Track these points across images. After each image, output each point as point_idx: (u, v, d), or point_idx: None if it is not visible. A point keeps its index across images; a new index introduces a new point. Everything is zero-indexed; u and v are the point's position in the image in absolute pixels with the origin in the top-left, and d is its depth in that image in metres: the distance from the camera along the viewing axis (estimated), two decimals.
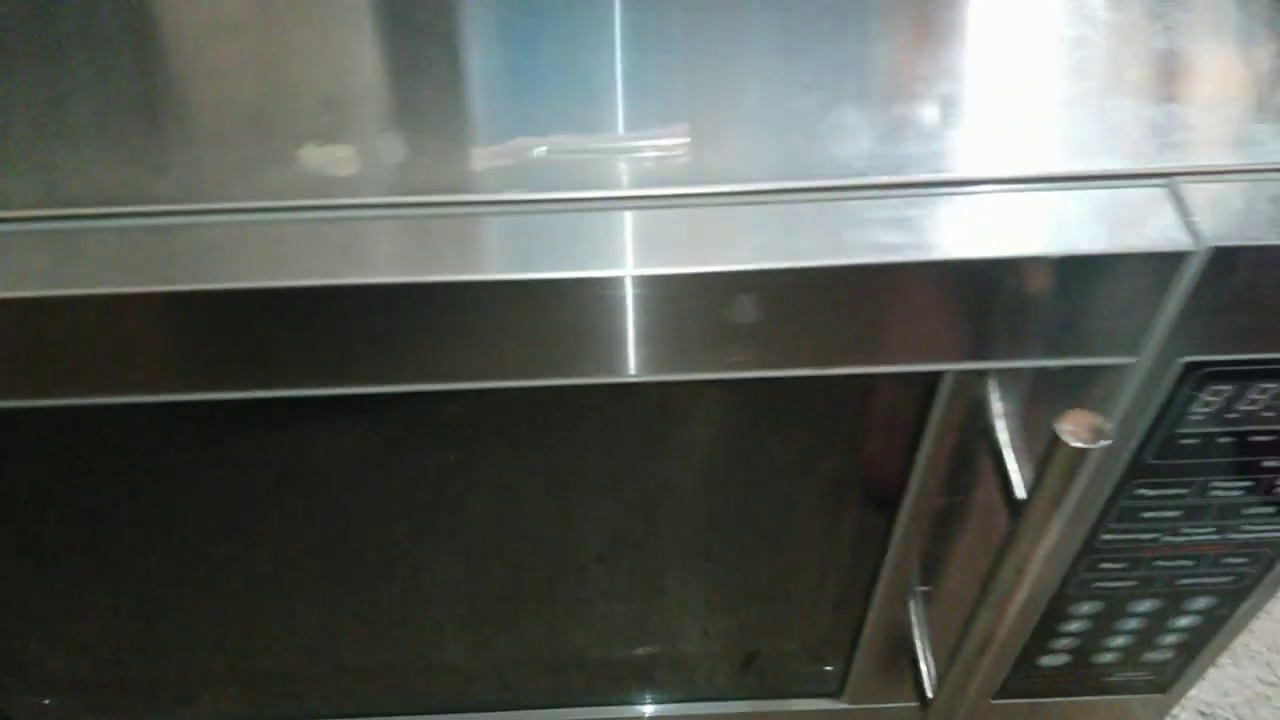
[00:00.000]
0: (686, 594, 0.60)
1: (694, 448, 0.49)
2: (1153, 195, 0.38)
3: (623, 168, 0.39)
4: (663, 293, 0.37)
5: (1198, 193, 0.38)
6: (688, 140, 0.40)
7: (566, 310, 0.37)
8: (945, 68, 0.43)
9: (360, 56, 0.44)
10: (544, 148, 0.40)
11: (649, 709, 0.70)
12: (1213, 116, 0.41)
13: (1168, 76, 0.43)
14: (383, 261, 0.37)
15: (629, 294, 0.37)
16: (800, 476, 0.51)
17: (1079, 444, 0.39)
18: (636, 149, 0.40)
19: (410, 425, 0.47)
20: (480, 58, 0.44)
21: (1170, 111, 0.41)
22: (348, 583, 0.57)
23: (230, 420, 0.45)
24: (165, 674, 0.63)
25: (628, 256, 0.37)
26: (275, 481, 0.49)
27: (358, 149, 0.40)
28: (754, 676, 0.68)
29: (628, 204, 0.38)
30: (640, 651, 0.65)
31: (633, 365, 0.40)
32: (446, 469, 0.49)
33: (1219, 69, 0.43)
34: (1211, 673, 0.73)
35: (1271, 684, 0.73)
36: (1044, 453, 0.40)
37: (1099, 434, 0.39)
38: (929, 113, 0.41)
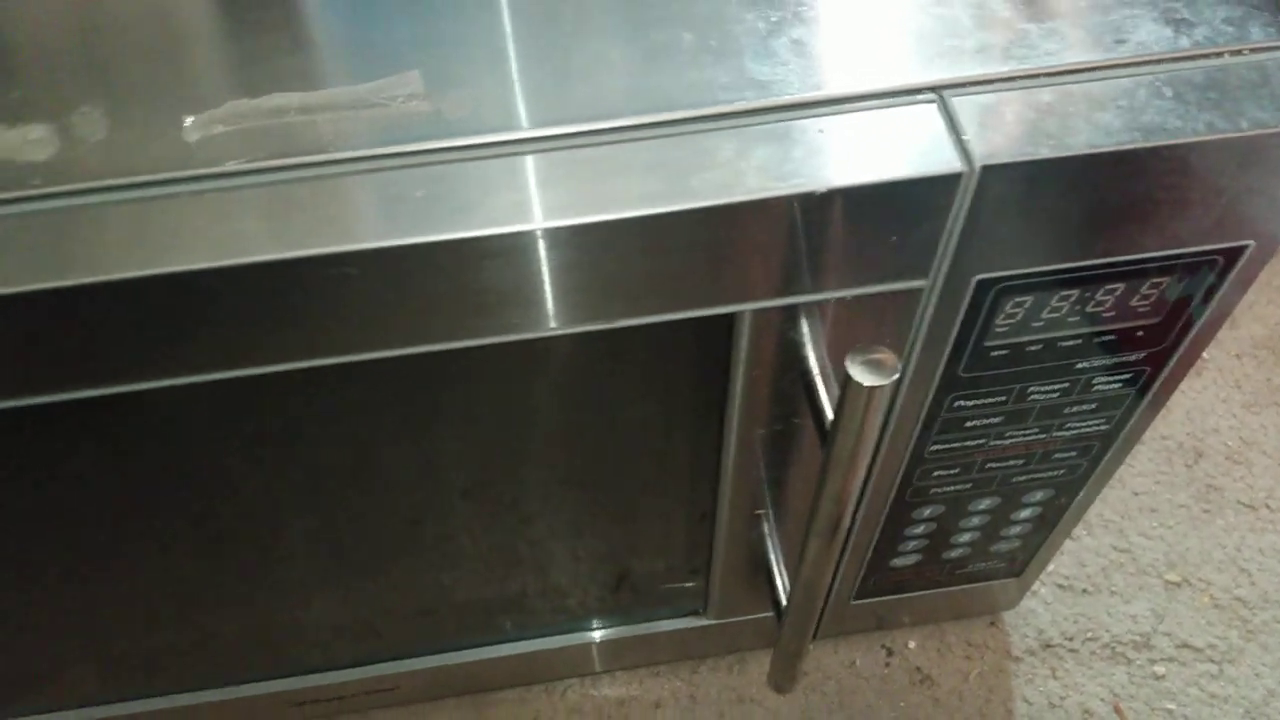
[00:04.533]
0: (554, 520, 0.59)
1: (540, 387, 0.47)
2: (922, 112, 0.36)
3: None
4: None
5: (967, 105, 0.36)
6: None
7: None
8: None
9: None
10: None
11: (527, 645, 0.70)
12: (981, 19, 0.38)
13: None
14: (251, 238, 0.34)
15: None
16: (633, 409, 0.49)
17: (869, 382, 0.37)
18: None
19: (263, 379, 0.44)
20: None
21: (939, 16, 0.38)
22: (207, 549, 0.54)
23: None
24: (26, 655, 0.60)
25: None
26: (127, 453, 0.46)
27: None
28: (625, 595, 0.68)
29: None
30: (513, 585, 0.64)
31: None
32: (300, 418, 0.47)
33: None
34: (1068, 545, 0.75)
35: (1124, 550, 0.74)
36: (840, 391, 0.39)
37: (889, 369, 0.37)
38: (673, 43, 0.38)
